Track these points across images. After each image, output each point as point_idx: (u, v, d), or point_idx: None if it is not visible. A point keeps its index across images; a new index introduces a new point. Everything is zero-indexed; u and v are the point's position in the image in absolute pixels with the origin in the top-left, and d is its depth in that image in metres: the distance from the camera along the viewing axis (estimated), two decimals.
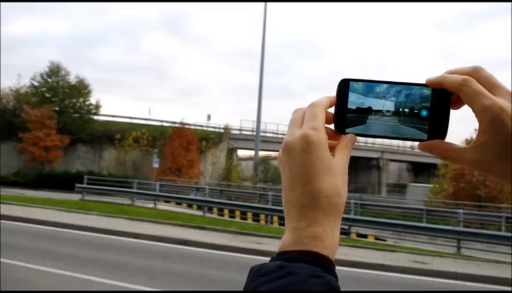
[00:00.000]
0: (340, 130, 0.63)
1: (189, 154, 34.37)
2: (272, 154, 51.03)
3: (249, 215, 19.71)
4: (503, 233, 15.15)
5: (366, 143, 49.05)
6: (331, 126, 0.63)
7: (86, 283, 7.76)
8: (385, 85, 0.63)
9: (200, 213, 20.17)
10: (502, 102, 0.55)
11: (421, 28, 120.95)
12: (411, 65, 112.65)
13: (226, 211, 20.65)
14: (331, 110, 0.64)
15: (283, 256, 0.55)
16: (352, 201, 18.65)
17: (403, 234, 15.22)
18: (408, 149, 49.95)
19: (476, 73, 0.59)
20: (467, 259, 12.36)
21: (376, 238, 16.44)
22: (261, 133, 41.64)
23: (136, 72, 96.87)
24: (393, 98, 0.62)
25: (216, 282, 8.47)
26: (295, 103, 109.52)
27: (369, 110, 0.63)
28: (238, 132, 44.65)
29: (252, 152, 42.34)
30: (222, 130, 42.46)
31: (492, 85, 0.58)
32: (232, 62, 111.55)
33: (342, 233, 17.66)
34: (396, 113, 0.62)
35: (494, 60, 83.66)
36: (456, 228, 14.31)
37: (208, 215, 19.89)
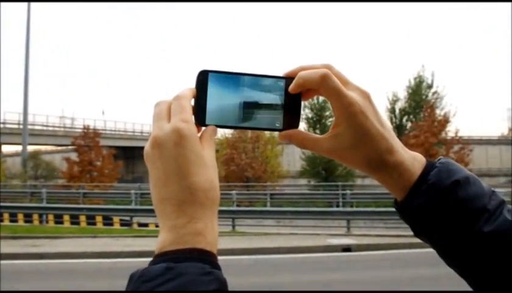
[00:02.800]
0: (200, 122, 0.63)
1: None
2: (43, 148, 47.06)
3: (20, 216, 17.80)
4: (268, 208, 17.16)
5: (141, 132, 49.43)
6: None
7: None
8: (242, 77, 0.65)
9: None
10: (354, 96, 0.61)
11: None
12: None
13: None
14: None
15: (167, 257, 0.53)
16: (132, 191, 18.67)
17: None
18: None
19: (328, 70, 0.62)
20: (241, 235, 13.54)
21: (157, 226, 16.68)
22: (29, 126, 38.01)
23: None
24: (250, 89, 0.65)
25: None
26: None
27: (227, 101, 0.64)
28: (0, 125, 39.85)
29: (19, 147, 38.30)
30: None
31: (343, 81, 0.63)
32: None
33: (123, 224, 17.01)
34: (253, 104, 0.65)
35: None
36: (231, 208, 15.61)
37: None
